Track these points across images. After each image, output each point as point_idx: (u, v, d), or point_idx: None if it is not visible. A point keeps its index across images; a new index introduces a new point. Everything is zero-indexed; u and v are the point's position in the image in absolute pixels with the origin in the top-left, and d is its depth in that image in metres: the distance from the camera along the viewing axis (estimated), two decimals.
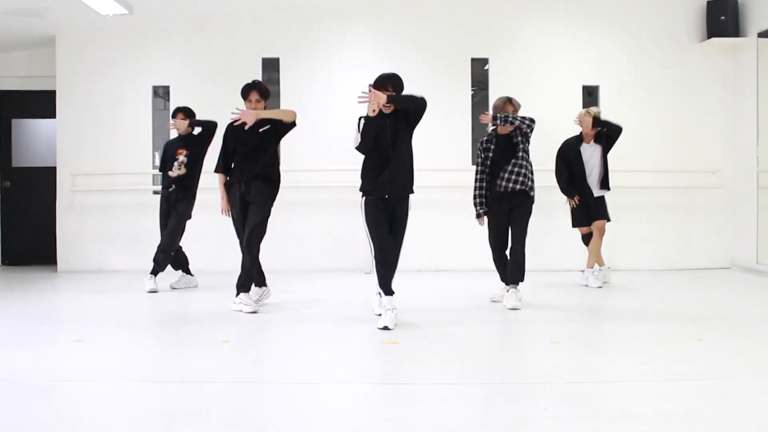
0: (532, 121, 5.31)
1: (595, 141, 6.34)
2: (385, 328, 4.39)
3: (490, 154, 5.38)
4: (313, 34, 7.79)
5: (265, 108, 5.24)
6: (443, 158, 7.53)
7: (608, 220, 6.40)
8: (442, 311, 5.18)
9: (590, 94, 7.85)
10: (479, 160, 5.45)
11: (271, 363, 3.73)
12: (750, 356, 3.76)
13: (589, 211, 6.37)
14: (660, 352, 3.86)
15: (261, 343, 4.30)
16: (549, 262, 7.41)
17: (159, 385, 3.26)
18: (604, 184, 6.37)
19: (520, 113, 5.41)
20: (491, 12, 7.79)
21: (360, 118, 4.60)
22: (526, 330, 4.52)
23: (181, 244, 6.32)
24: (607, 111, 7.73)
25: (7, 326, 4.66)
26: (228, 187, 5.28)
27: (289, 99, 7.71)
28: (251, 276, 5.20)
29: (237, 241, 5.33)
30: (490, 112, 5.46)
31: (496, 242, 5.41)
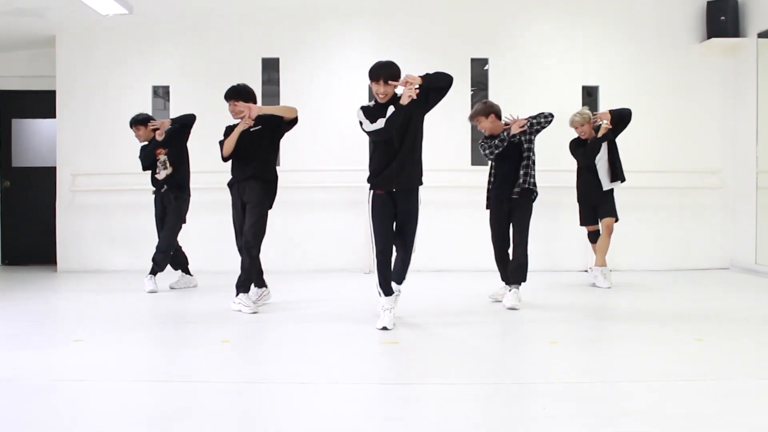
0: (551, 114, 5.35)
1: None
2: (384, 328, 4.39)
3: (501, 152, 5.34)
4: (313, 34, 7.79)
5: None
6: (443, 158, 7.53)
7: (616, 218, 6.34)
8: (442, 311, 5.17)
9: (590, 95, 7.85)
10: (491, 154, 5.37)
11: (271, 363, 3.73)
12: (750, 356, 3.76)
13: (595, 209, 6.35)
14: (660, 352, 3.86)
15: (261, 343, 4.30)
16: (549, 263, 7.42)
17: (159, 385, 3.26)
18: (615, 176, 6.30)
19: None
20: (491, 12, 7.80)
21: (362, 108, 4.50)
22: (525, 330, 4.52)
23: (180, 243, 6.33)
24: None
25: (7, 326, 4.66)
26: (230, 186, 5.30)
27: (289, 99, 7.70)
28: (251, 277, 5.20)
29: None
30: (509, 117, 5.39)
31: (498, 240, 5.41)
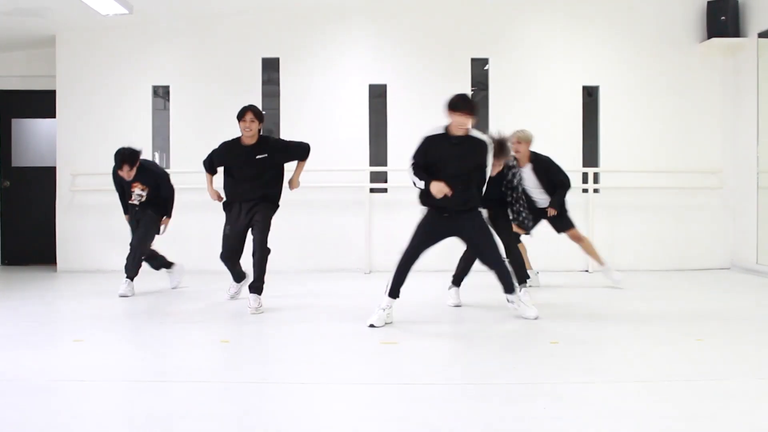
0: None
1: (533, 169, 6.00)
2: (371, 326, 4.46)
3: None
4: (313, 34, 7.79)
5: (259, 128, 5.30)
6: None
7: (573, 227, 6.20)
8: (441, 311, 5.17)
9: (590, 95, 7.86)
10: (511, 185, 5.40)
11: (271, 363, 3.73)
12: (750, 357, 3.76)
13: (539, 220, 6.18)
14: (660, 353, 3.86)
15: (261, 343, 4.30)
16: (549, 263, 7.41)
17: (159, 385, 3.26)
18: (551, 193, 6.06)
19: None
20: (491, 12, 7.80)
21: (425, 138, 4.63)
22: (526, 330, 4.52)
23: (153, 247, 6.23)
24: (607, 111, 7.77)
25: (7, 326, 4.66)
26: (226, 205, 5.43)
27: (289, 99, 7.73)
28: (262, 280, 5.20)
29: (231, 275, 5.65)
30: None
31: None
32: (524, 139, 5.95)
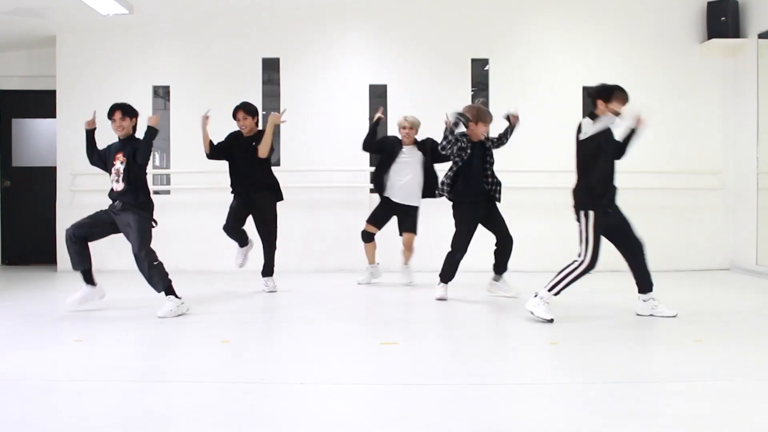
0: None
1: (418, 147, 6.25)
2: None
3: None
4: (313, 34, 7.79)
5: (256, 124, 5.95)
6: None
7: (415, 233, 6.29)
8: (441, 311, 5.17)
9: (590, 95, 7.84)
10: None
11: (271, 363, 3.73)
12: (750, 357, 3.76)
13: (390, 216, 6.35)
14: (659, 353, 3.86)
15: (261, 343, 4.30)
16: (549, 263, 7.40)
17: (159, 385, 3.26)
18: (426, 192, 6.23)
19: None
20: (491, 13, 7.80)
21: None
22: (526, 330, 4.52)
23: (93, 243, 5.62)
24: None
25: (7, 326, 4.66)
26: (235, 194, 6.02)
27: (289, 99, 7.72)
28: (272, 265, 6.05)
29: (236, 243, 6.16)
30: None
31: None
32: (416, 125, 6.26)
